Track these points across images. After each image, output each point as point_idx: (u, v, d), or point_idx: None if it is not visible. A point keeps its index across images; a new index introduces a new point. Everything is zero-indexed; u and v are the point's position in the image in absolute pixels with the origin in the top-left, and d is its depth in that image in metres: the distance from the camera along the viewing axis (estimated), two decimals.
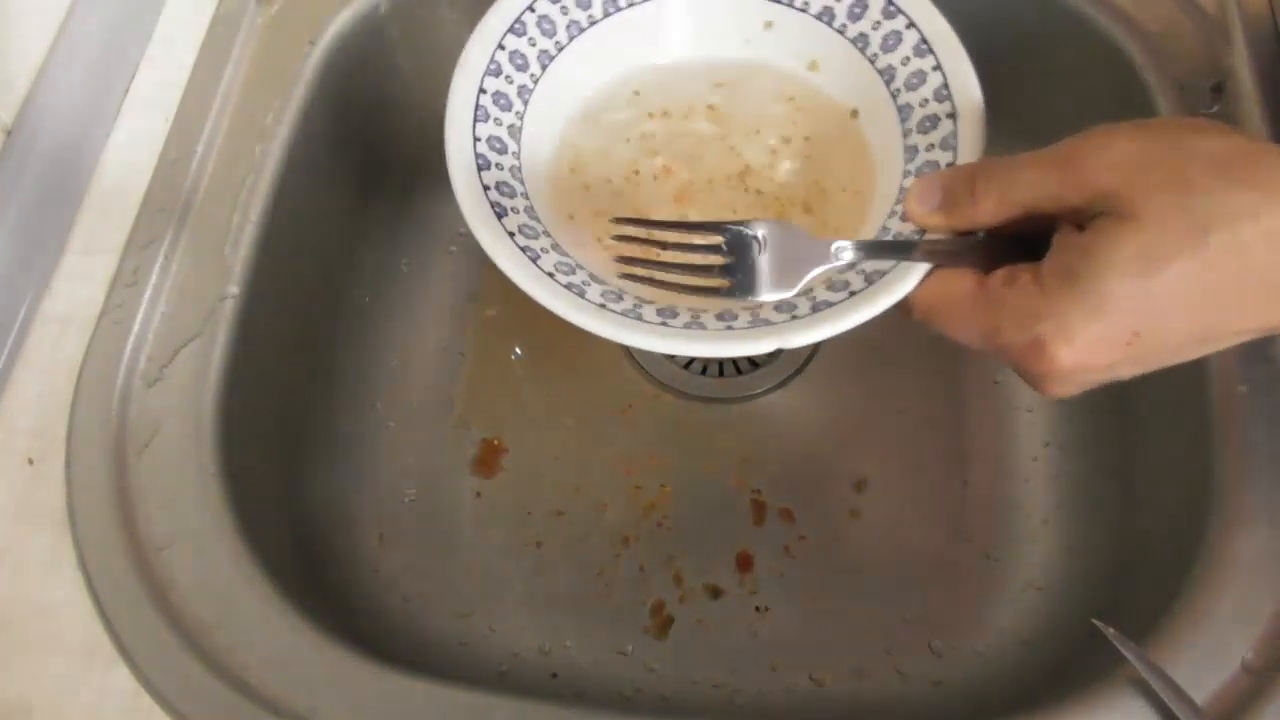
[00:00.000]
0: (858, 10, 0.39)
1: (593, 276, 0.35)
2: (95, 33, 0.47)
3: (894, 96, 0.38)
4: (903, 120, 0.38)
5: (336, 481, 0.51)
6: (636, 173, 0.41)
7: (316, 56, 0.49)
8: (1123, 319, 0.26)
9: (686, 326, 0.33)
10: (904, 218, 0.33)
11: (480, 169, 0.36)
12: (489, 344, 0.56)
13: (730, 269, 0.33)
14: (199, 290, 0.44)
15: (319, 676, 0.37)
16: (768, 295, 0.33)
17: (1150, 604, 0.38)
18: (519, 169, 0.37)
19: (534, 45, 0.39)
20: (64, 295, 0.43)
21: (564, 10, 0.40)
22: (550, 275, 0.33)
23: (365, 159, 0.56)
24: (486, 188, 0.35)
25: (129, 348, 0.42)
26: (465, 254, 0.59)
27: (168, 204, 0.45)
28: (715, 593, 0.49)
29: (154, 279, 0.43)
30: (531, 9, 0.39)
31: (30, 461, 0.40)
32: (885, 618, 0.48)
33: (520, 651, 0.47)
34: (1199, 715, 0.34)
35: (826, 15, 0.40)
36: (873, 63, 0.39)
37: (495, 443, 0.53)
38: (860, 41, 0.39)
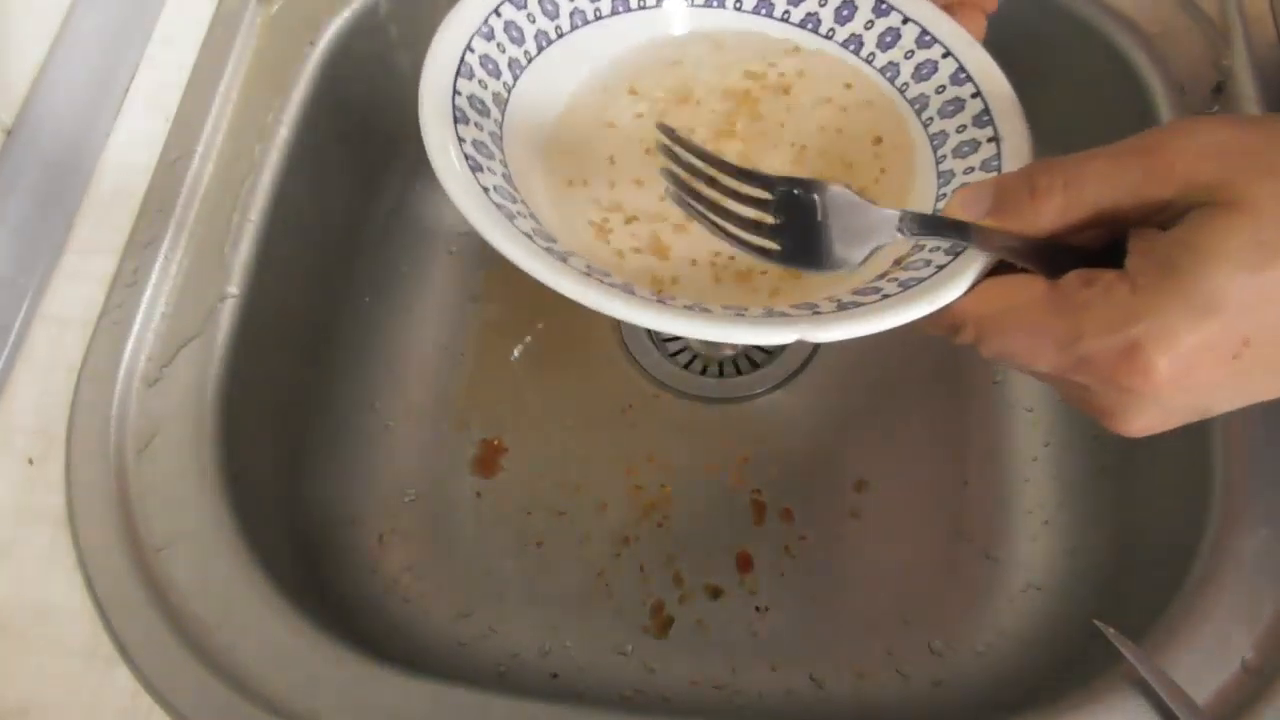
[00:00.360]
0: (888, 39, 0.37)
1: (575, 253, 0.32)
2: (95, 33, 0.47)
3: (926, 125, 0.36)
4: (936, 147, 0.35)
5: (336, 481, 0.51)
6: (639, 181, 0.37)
7: (316, 56, 0.49)
8: (1234, 320, 0.23)
9: (689, 307, 0.29)
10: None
11: (456, 121, 0.32)
12: (489, 344, 0.56)
13: (782, 231, 0.29)
14: (199, 290, 0.44)
15: (319, 676, 0.37)
16: (831, 267, 0.29)
17: (1150, 604, 0.38)
18: (499, 136, 0.34)
19: (533, 22, 0.37)
20: (64, 295, 0.43)
21: None
22: (529, 237, 0.30)
23: (365, 159, 0.56)
24: (461, 140, 0.32)
25: (129, 348, 0.42)
26: (465, 254, 0.59)
27: (168, 204, 0.45)
28: (715, 593, 0.49)
29: (154, 279, 0.43)
30: None
31: (30, 461, 0.40)
32: (885, 618, 0.48)
33: (520, 651, 0.47)
34: (1199, 715, 0.34)
35: (854, 43, 0.38)
36: (902, 92, 0.37)
37: (495, 443, 0.53)
38: (889, 71, 0.38)
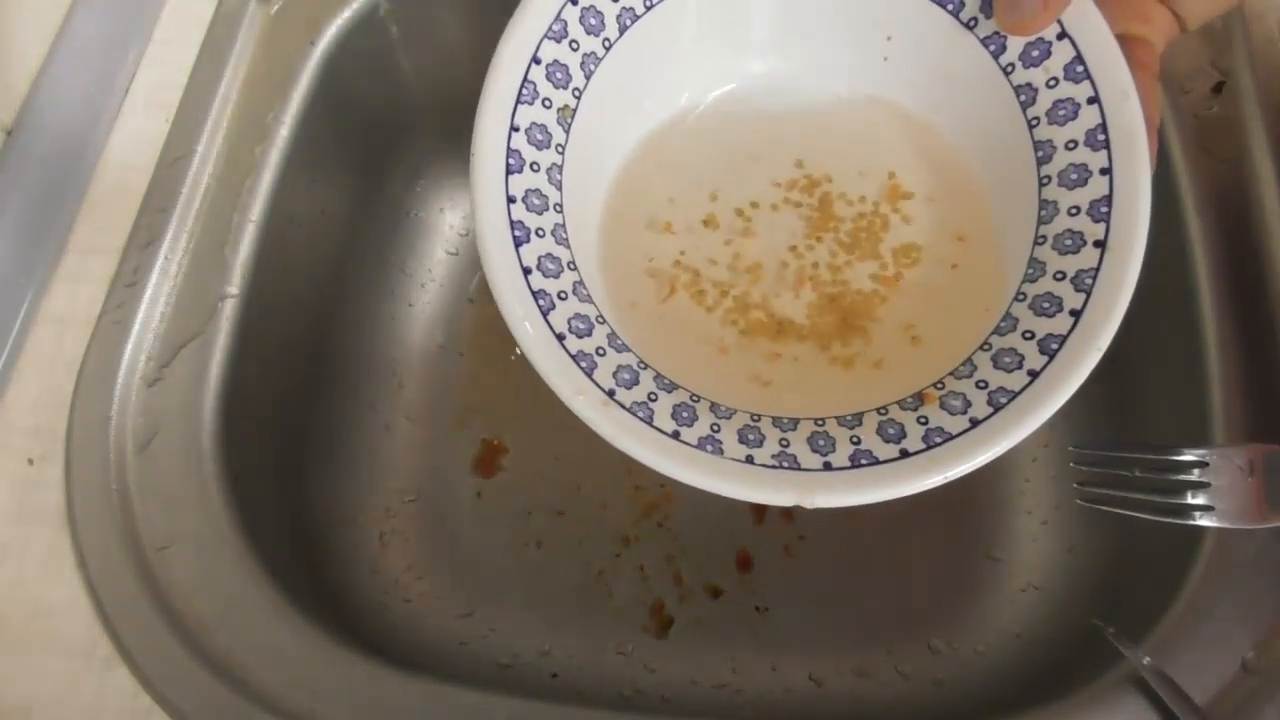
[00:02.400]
0: (1035, 53, 0.31)
1: (651, 377, 0.30)
2: (95, 33, 0.47)
3: (1041, 184, 0.31)
4: (1041, 222, 0.31)
5: (336, 481, 0.51)
6: (702, 291, 0.34)
7: (317, 56, 0.49)
8: None
9: (776, 459, 0.28)
10: None
11: (518, 244, 0.30)
12: (489, 344, 0.56)
13: (1209, 489, 0.31)
14: (199, 290, 0.44)
15: (319, 676, 0.37)
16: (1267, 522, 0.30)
17: (1150, 604, 0.38)
18: (563, 227, 0.32)
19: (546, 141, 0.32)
20: (64, 295, 0.43)
21: (573, 46, 0.33)
22: (611, 394, 0.29)
23: (365, 159, 0.56)
24: (528, 270, 0.30)
25: (129, 348, 0.42)
26: (465, 254, 0.59)
27: (168, 204, 0.45)
28: (715, 593, 0.49)
29: (154, 279, 0.43)
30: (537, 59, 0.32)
31: (30, 461, 0.40)
32: (885, 618, 0.48)
33: (520, 652, 0.47)
34: (1199, 715, 0.34)
35: (997, 48, 0.32)
36: (1031, 129, 0.32)
37: (495, 443, 0.53)
38: (1025, 94, 0.32)
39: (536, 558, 0.50)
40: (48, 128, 0.44)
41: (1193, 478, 0.32)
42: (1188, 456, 0.33)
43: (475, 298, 0.57)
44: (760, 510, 0.51)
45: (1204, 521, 0.32)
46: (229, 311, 0.43)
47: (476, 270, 0.58)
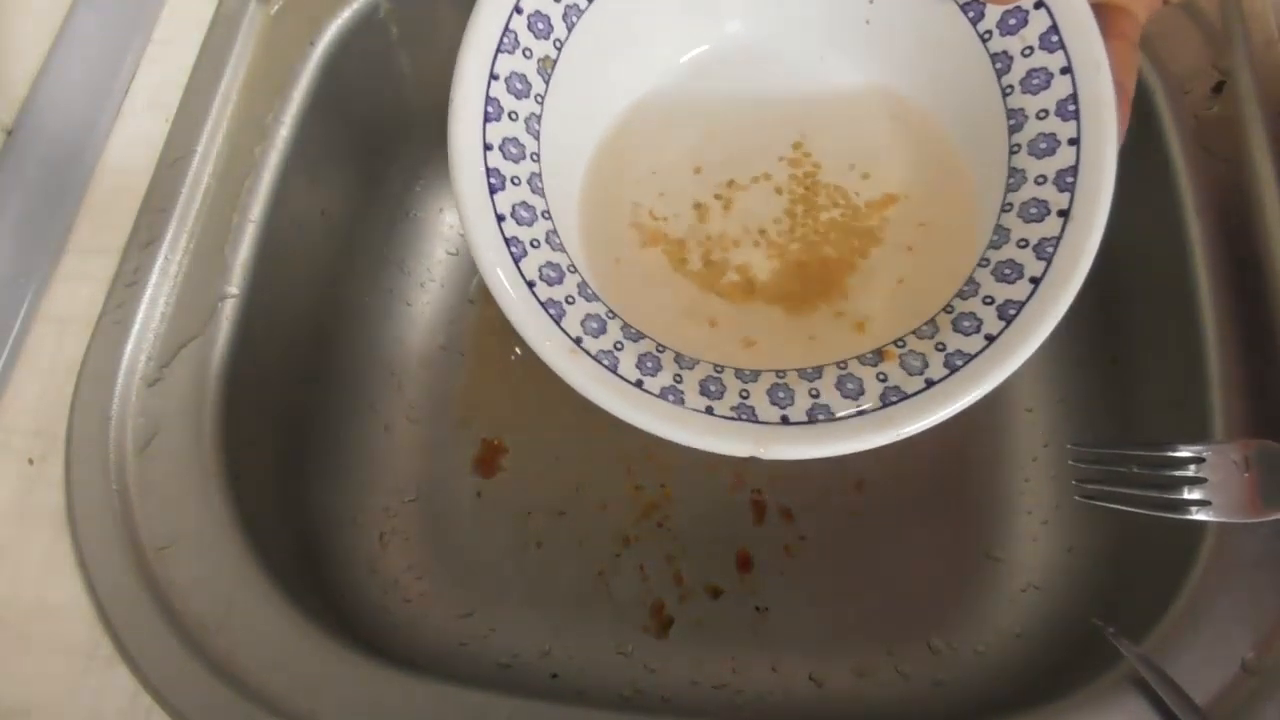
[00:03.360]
0: (1012, 22, 0.32)
1: (619, 326, 0.31)
2: (95, 33, 0.47)
3: (1011, 152, 0.32)
4: (1008, 190, 0.31)
5: (336, 481, 0.51)
6: (689, 244, 0.34)
7: (317, 56, 0.49)
8: None
9: (735, 410, 0.29)
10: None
11: (493, 191, 0.31)
12: (488, 344, 0.56)
13: (1206, 484, 0.33)
14: (199, 290, 0.44)
15: (319, 676, 0.37)
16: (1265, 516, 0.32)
17: (1150, 604, 0.38)
18: (539, 176, 0.32)
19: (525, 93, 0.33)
20: (64, 295, 0.43)
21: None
22: (578, 341, 0.29)
23: (365, 159, 0.56)
24: (501, 217, 0.31)
25: (129, 348, 0.42)
26: (465, 254, 0.59)
27: (168, 204, 0.45)
28: (715, 593, 0.49)
29: (154, 279, 0.43)
30: (519, 9, 0.33)
31: (30, 461, 0.40)
32: (885, 618, 0.48)
33: (520, 652, 0.47)
34: (1199, 715, 0.34)
35: (975, 15, 0.33)
36: (1005, 97, 0.32)
37: (495, 443, 0.53)
38: (1000, 61, 0.32)
39: (536, 558, 0.50)
40: (48, 128, 0.44)
41: (1189, 473, 0.33)
42: (1184, 453, 0.34)
43: (475, 298, 0.57)
44: (760, 510, 0.51)
45: (1200, 516, 0.33)
46: (229, 311, 0.43)
47: (476, 270, 0.58)
